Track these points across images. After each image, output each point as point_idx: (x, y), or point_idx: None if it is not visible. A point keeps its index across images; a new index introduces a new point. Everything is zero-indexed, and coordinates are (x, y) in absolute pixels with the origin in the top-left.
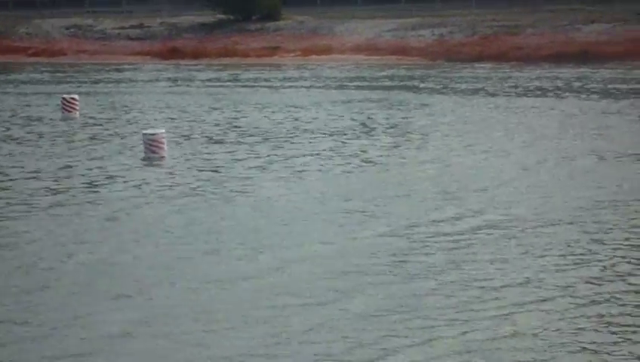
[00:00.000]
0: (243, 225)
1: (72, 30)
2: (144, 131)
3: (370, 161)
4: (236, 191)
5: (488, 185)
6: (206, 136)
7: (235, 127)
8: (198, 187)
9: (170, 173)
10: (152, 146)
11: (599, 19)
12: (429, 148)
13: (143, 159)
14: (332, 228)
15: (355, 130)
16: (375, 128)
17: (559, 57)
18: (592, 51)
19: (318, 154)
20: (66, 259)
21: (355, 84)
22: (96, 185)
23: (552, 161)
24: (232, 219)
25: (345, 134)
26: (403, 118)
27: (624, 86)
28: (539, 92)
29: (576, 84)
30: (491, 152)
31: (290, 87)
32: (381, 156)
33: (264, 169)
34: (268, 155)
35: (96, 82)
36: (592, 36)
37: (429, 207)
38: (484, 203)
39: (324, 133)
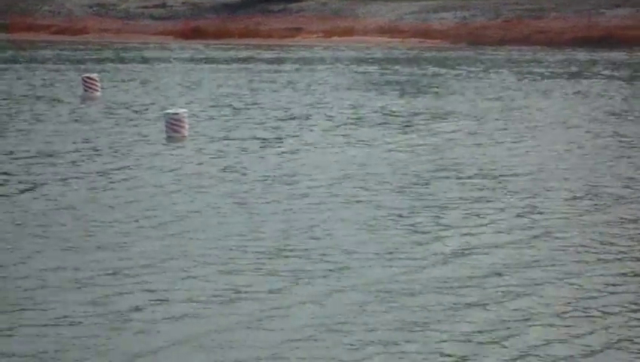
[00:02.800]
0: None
1: (94, 9)
2: (166, 110)
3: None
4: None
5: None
6: (228, 115)
7: (259, 106)
8: (225, 167)
9: (193, 152)
10: (173, 125)
11: (623, 3)
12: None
13: (165, 138)
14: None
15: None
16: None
17: (583, 41)
18: (615, 35)
19: (362, 140)
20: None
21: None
22: (117, 163)
23: None
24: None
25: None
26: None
27: None
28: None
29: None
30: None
31: (321, 67)
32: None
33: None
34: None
35: (118, 61)
36: (615, 20)
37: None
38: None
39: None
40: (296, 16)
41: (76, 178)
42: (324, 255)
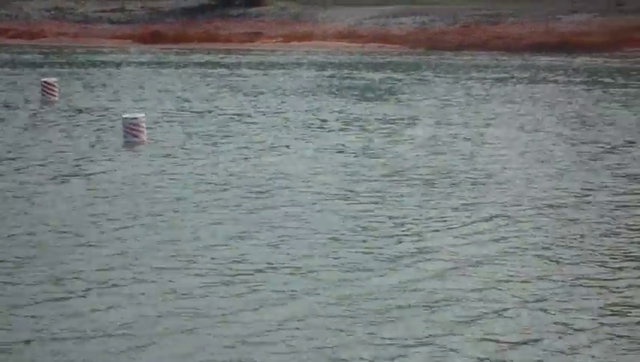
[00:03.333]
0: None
1: (52, 12)
2: (124, 115)
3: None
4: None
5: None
6: (187, 120)
7: (218, 111)
8: (184, 173)
9: (152, 158)
10: (132, 130)
11: (580, 9)
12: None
13: (123, 143)
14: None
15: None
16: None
17: (540, 47)
18: (572, 42)
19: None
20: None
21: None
22: (75, 169)
23: None
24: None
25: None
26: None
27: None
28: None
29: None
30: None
31: (281, 72)
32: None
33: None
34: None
35: (77, 65)
36: (571, 27)
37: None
38: None
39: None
40: (255, 21)
41: (31, 183)
42: (288, 267)
